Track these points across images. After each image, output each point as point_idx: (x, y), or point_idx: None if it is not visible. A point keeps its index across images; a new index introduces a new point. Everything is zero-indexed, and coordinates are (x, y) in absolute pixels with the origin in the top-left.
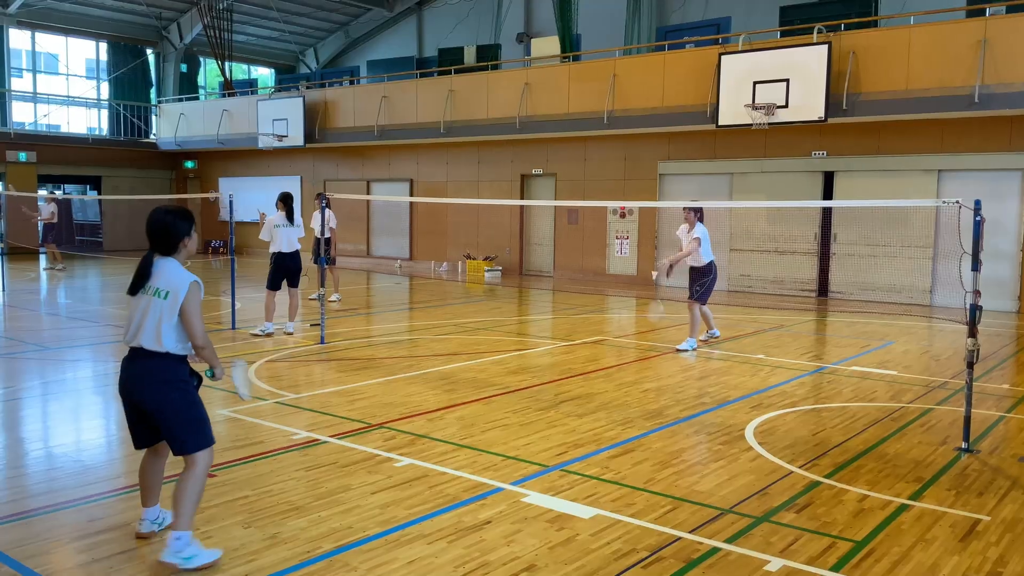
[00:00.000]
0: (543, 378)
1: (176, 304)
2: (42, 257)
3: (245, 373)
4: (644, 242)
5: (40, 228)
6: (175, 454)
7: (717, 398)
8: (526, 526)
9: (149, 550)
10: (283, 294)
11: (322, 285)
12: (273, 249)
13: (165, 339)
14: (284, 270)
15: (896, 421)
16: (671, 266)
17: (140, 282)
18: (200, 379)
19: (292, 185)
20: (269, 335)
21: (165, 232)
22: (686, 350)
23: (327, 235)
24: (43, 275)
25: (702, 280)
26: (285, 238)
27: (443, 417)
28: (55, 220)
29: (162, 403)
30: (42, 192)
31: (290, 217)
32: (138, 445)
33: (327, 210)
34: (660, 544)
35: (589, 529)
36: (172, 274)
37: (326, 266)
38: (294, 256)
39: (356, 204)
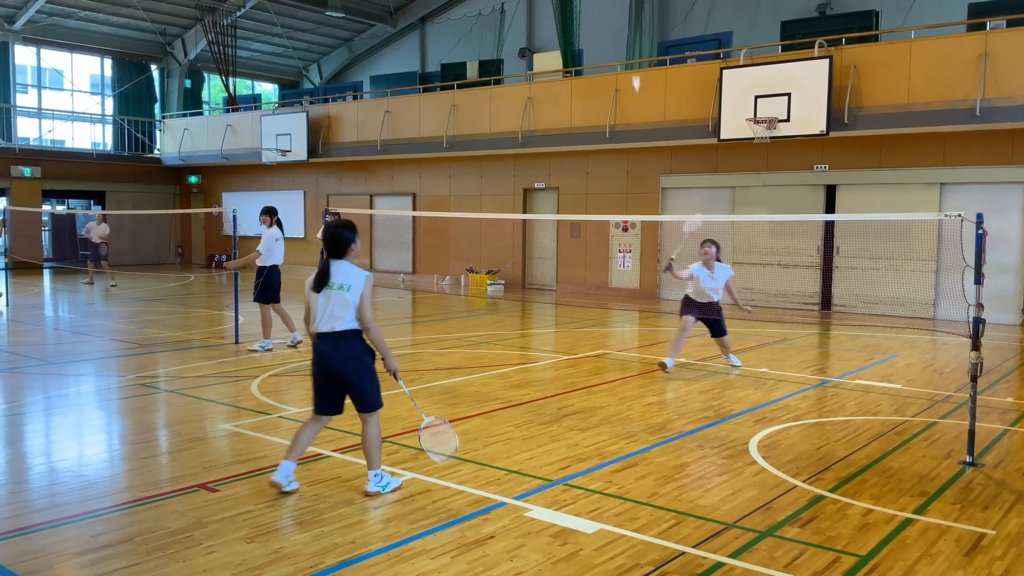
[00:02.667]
0: (546, 392)
1: (358, 292)
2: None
3: (441, 442)
4: (646, 255)
5: (96, 248)
6: (360, 411)
7: (720, 412)
8: (529, 541)
9: (154, 563)
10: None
11: None
12: (272, 262)
13: (351, 320)
14: (279, 283)
15: (900, 435)
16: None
17: (323, 281)
18: (374, 354)
19: (295, 200)
20: (269, 351)
21: (337, 241)
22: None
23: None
24: (96, 292)
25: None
26: (281, 252)
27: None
28: (102, 240)
29: (356, 370)
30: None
31: (281, 229)
32: (319, 412)
33: None
34: (664, 559)
35: (592, 544)
36: (350, 271)
37: None
38: (276, 269)
39: (359, 218)
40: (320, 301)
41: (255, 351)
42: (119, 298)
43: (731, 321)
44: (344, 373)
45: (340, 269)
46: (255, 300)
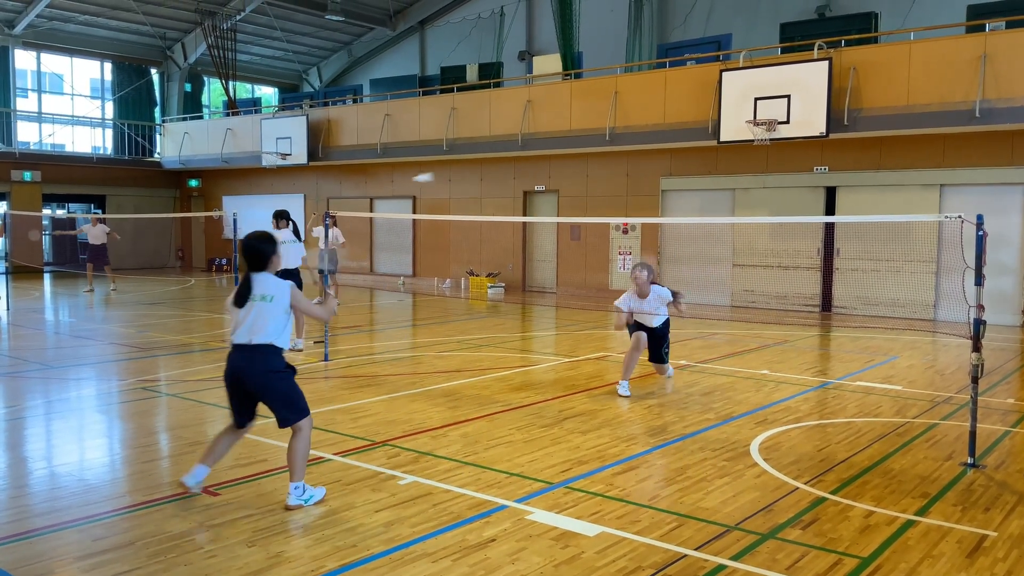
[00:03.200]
0: (547, 395)
1: (282, 302)
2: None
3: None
4: (647, 257)
5: (96, 251)
6: (281, 427)
7: (721, 414)
8: (531, 544)
9: (155, 568)
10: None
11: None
12: (282, 265)
13: (272, 334)
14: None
15: (901, 436)
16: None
17: (244, 295)
18: (295, 370)
19: (296, 203)
20: (300, 351)
21: (256, 254)
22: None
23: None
24: (96, 297)
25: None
26: (291, 255)
27: (447, 434)
28: (106, 241)
29: (271, 386)
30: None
31: (297, 233)
32: (238, 424)
33: (334, 228)
34: (666, 562)
35: (594, 547)
36: (270, 283)
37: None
38: (296, 272)
39: (359, 221)
40: (241, 314)
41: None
42: (120, 302)
43: (731, 323)
44: (258, 388)
45: (260, 281)
46: None
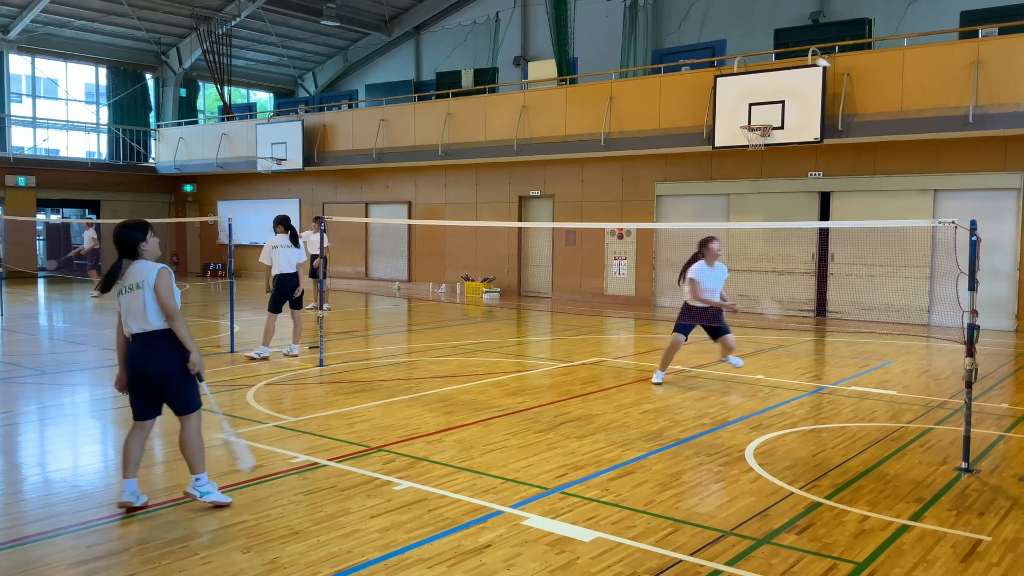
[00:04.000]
0: (542, 400)
1: (149, 287)
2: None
3: (239, 446)
4: (642, 263)
5: (89, 255)
6: (177, 415)
7: (717, 419)
8: (526, 549)
9: (149, 574)
10: (284, 316)
11: (322, 304)
12: (277, 270)
13: (153, 320)
14: (287, 292)
15: (896, 441)
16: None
17: (109, 282)
18: (186, 355)
19: (291, 208)
20: (265, 359)
21: (123, 241)
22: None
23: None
24: (91, 303)
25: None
26: (286, 259)
27: (442, 440)
28: (97, 246)
29: (167, 372)
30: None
31: (294, 239)
32: (139, 418)
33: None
34: (661, 567)
35: (590, 552)
36: (140, 269)
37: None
38: (292, 277)
39: (354, 226)
40: (121, 304)
41: (253, 358)
42: (115, 308)
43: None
44: (156, 374)
45: (133, 269)
46: (292, 307)
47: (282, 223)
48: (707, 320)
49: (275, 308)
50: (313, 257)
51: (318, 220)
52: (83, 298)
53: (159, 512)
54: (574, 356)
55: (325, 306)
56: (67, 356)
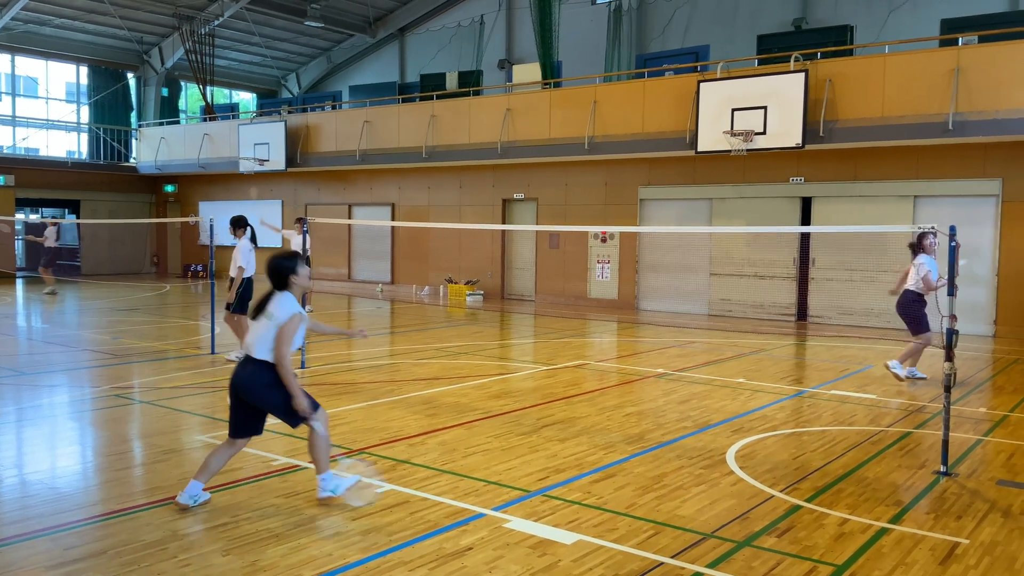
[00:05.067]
0: (525, 403)
1: (276, 325)
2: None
3: (356, 489)
4: (625, 266)
5: (43, 252)
6: (294, 427)
7: (698, 422)
8: (508, 552)
9: None
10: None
11: (304, 306)
12: (248, 274)
13: (267, 351)
14: (250, 295)
15: (875, 445)
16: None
17: (259, 310)
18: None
19: (274, 209)
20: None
21: (276, 272)
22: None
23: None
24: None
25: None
26: (256, 261)
27: (425, 442)
28: (56, 245)
29: (266, 400)
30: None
31: (254, 240)
32: (234, 435)
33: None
34: (643, 569)
35: (571, 555)
36: (282, 303)
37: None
38: (252, 281)
39: (337, 228)
40: (254, 327)
41: (232, 360)
42: (94, 309)
43: (708, 332)
44: (254, 402)
45: (276, 300)
46: (234, 312)
47: (241, 224)
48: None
49: (245, 310)
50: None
51: (300, 221)
52: (62, 298)
53: (138, 514)
54: (557, 359)
55: (308, 307)
56: (45, 357)
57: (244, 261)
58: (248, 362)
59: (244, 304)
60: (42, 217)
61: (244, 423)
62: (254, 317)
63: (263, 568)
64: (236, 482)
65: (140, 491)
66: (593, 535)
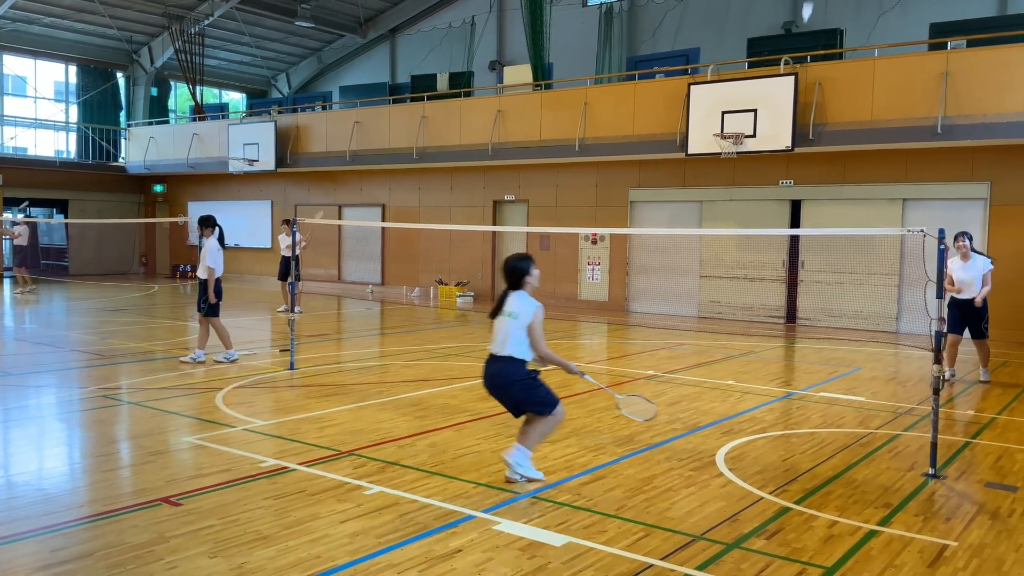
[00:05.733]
0: None
1: (525, 321)
2: (7, 281)
3: (636, 404)
4: (615, 268)
5: (9, 251)
6: (540, 417)
7: (688, 424)
8: (497, 554)
9: None
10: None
11: (293, 307)
12: (219, 275)
13: (513, 347)
14: (221, 295)
15: (864, 447)
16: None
17: (497, 310)
18: (537, 372)
19: (263, 210)
20: (234, 361)
21: (513, 271)
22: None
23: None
24: (9, 300)
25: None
26: (221, 261)
27: (414, 444)
28: (25, 243)
29: (513, 393)
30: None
31: (222, 240)
32: (517, 415)
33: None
34: (632, 572)
35: (561, 557)
36: (520, 301)
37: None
38: (218, 281)
39: (327, 229)
40: (495, 326)
41: (220, 361)
42: (81, 309)
43: (697, 334)
44: (502, 396)
45: (513, 299)
46: (207, 315)
47: (210, 223)
48: (960, 313)
49: (218, 312)
50: (284, 259)
51: (288, 223)
52: (49, 298)
53: (125, 516)
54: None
55: (297, 309)
56: (32, 357)
57: (212, 261)
58: (494, 360)
59: (216, 306)
60: (27, 216)
61: (514, 408)
62: (493, 317)
63: (251, 570)
64: (224, 484)
65: (128, 492)
66: (583, 537)
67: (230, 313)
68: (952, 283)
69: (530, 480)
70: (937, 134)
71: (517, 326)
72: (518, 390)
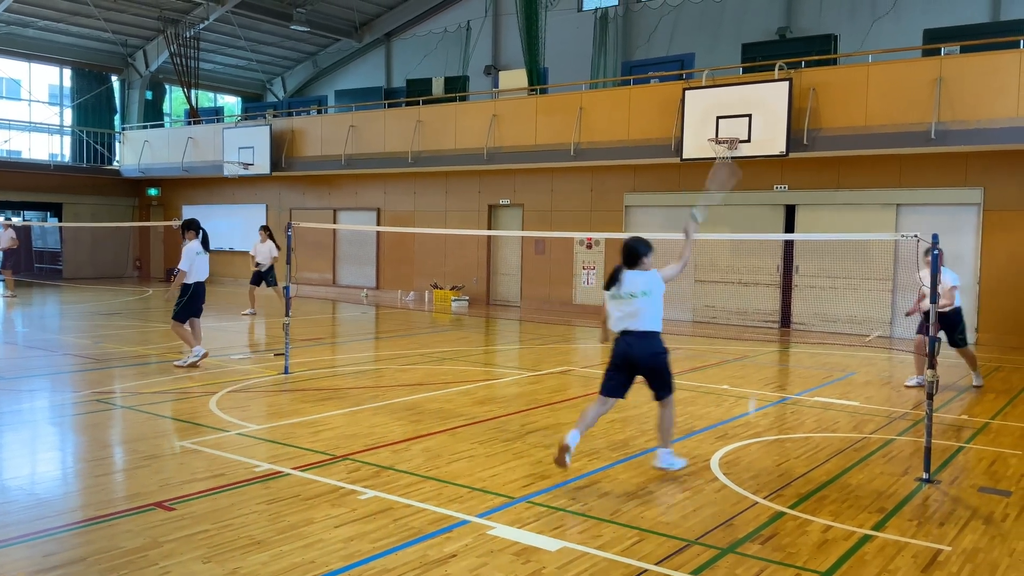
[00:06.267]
0: (509, 409)
1: (657, 295)
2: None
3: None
4: (610, 272)
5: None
6: (657, 398)
7: (682, 428)
8: (492, 559)
9: None
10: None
11: (252, 306)
12: (193, 279)
13: (648, 322)
14: (201, 299)
15: (858, 451)
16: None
17: (611, 283)
18: (668, 351)
19: (258, 213)
20: (205, 355)
21: (630, 252)
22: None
23: (267, 263)
24: (2, 305)
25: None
26: (204, 266)
27: (408, 448)
28: (16, 246)
29: (657, 365)
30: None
31: (205, 244)
32: (606, 394)
33: (270, 241)
34: None
35: (555, 562)
36: (638, 278)
37: (271, 287)
38: (204, 286)
39: (322, 233)
40: (612, 306)
41: (181, 365)
42: (75, 312)
43: (692, 339)
44: (647, 366)
45: (629, 277)
46: (174, 319)
47: (193, 227)
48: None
49: (185, 317)
50: (257, 265)
51: (265, 229)
52: (43, 302)
53: (118, 520)
54: (542, 365)
55: (250, 310)
56: (25, 361)
57: (186, 264)
58: (638, 336)
59: (186, 312)
60: (24, 220)
61: (622, 386)
62: (607, 289)
63: None
64: (217, 488)
65: (121, 497)
66: (577, 542)
67: (224, 317)
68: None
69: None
70: (931, 139)
71: (650, 301)
72: (663, 362)
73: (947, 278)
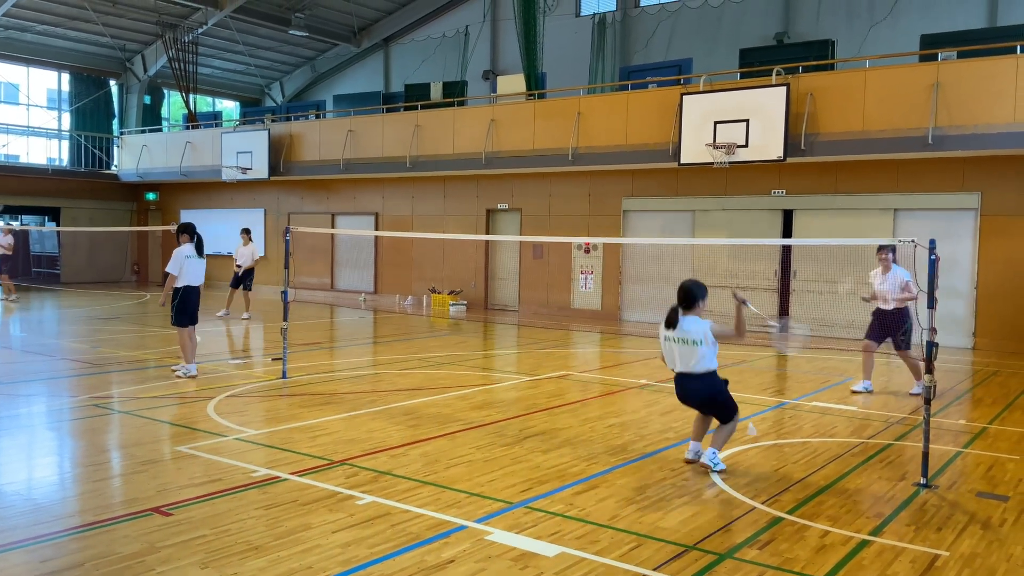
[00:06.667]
0: (508, 413)
1: (709, 342)
2: None
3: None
4: (608, 277)
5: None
6: (722, 423)
7: (681, 433)
8: (490, 565)
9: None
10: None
11: (227, 307)
12: (183, 283)
13: (701, 366)
14: (194, 305)
15: (856, 456)
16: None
17: (670, 324)
18: (727, 381)
19: (256, 218)
20: (193, 377)
21: (687, 294)
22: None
23: (247, 264)
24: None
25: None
26: (195, 271)
27: (406, 453)
28: (11, 252)
29: (710, 401)
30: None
31: (199, 249)
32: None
33: (250, 244)
34: None
35: (553, 568)
36: (693, 326)
37: (246, 291)
38: (199, 290)
39: (320, 237)
40: (666, 349)
41: (179, 376)
42: (72, 317)
43: None
44: (699, 403)
45: (685, 323)
46: (172, 324)
47: (187, 231)
48: (879, 323)
49: (184, 322)
50: (238, 267)
51: (247, 232)
52: (40, 306)
53: (116, 526)
54: (540, 370)
55: (223, 311)
56: (23, 366)
57: (173, 267)
58: (693, 378)
59: (182, 316)
60: (21, 224)
61: (718, 415)
62: (667, 328)
63: None
64: (215, 493)
65: (118, 502)
66: (575, 547)
67: (217, 322)
68: (875, 296)
69: (720, 471)
70: (928, 144)
71: (707, 348)
72: (721, 399)
73: (902, 274)
